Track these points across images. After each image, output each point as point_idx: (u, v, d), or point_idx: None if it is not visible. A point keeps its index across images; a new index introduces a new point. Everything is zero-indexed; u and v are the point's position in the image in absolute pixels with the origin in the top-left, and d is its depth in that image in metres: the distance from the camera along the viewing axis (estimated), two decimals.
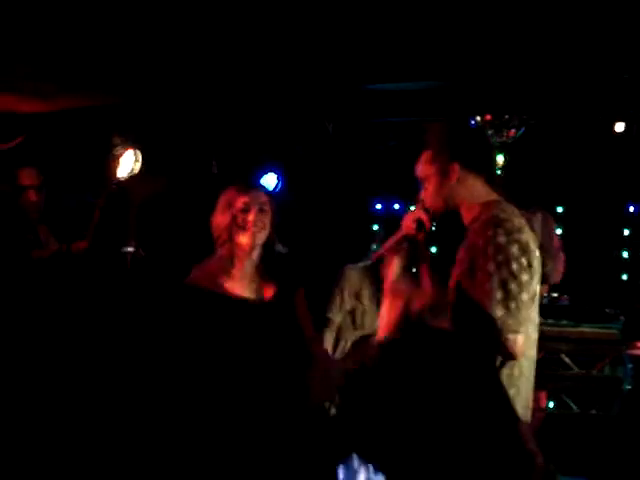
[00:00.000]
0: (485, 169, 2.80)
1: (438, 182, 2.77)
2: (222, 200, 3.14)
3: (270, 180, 5.88)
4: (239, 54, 4.00)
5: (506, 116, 4.96)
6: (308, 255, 4.56)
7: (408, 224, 2.88)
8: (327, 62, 4.11)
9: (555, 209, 7.11)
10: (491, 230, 2.59)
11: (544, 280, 5.74)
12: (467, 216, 2.78)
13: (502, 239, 2.57)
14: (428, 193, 2.81)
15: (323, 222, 6.50)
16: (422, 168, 2.82)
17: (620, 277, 7.20)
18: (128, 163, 5.15)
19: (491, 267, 2.59)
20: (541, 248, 5.90)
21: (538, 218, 5.60)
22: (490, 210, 2.68)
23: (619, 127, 5.48)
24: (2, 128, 4.04)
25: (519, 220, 2.66)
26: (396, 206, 7.39)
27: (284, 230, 4.58)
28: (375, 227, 7.42)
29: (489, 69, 4.19)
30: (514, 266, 2.57)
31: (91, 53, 3.74)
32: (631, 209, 7.27)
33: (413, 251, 2.84)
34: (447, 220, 2.90)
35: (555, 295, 5.48)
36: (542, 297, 5.30)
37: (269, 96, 4.63)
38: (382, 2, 3.46)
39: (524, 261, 2.61)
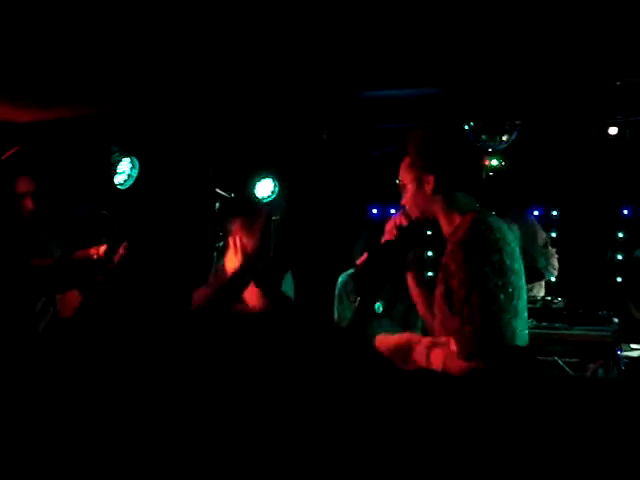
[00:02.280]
0: (463, 182, 2.76)
1: (414, 191, 2.75)
2: None
3: (266, 186, 5.92)
4: (234, 61, 4.03)
5: (499, 121, 5.00)
6: (305, 262, 4.59)
7: (390, 229, 2.87)
8: (321, 69, 4.14)
9: (550, 212, 7.16)
10: (467, 251, 2.56)
11: (539, 277, 5.84)
12: (445, 227, 2.75)
13: (475, 261, 2.54)
14: (407, 200, 2.81)
15: (319, 228, 6.53)
16: (401, 175, 2.82)
17: (615, 279, 7.23)
18: (125, 171, 5.19)
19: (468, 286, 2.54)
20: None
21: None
22: (468, 224, 2.63)
23: (613, 130, 5.52)
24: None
25: (495, 235, 2.61)
26: (392, 211, 7.41)
27: (281, 236, 4.62)
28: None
29: (483, 75, 4.22)
30: (492, 283, 2.52)
31: (87, 62, 3.77)
32: (625, 212, 7.31)
33: (393, 255, 2.84)
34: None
35: (549, 298, 5.53)
36: (536, 300, 5.38)
37: (264, 103, 4.66)
38: (376, 9, 3.49)
39: (501, 279, 2.57)
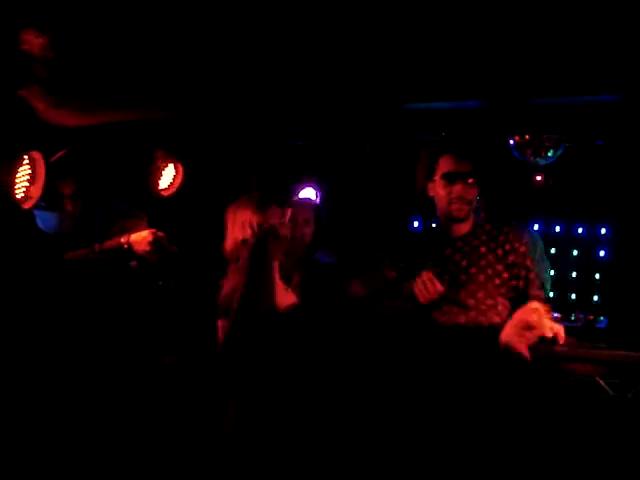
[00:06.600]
0: None
1: None
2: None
3: (308, 196, 5.93)
4: (280, 73, 4.07)
5: (544, 136, 4.95)
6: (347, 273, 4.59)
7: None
8: (366, 81, 4.16)
9: (600, 230, 7.03)
10: None
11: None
12: None
13: None
14: None
15: (361, 240, 6.52)
16: None
17: None
18: (169, 176, 5.24)
19: None
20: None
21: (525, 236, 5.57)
22: None
23: None
24: (49, 142, 4.15)
25: None
26: (434, 225, 7.34)
27: (323, 248, 4.63)
28: None
29: (527, 89, 4.20)
30: None
31: (136, 69, 3.84)
32: None
33: None
34: None
35: (591, 318, 5.44)
36: (577, 320, 5.29)
37: (308, 115, 4.69)
38: (422, 22, 3.50)
39: None
